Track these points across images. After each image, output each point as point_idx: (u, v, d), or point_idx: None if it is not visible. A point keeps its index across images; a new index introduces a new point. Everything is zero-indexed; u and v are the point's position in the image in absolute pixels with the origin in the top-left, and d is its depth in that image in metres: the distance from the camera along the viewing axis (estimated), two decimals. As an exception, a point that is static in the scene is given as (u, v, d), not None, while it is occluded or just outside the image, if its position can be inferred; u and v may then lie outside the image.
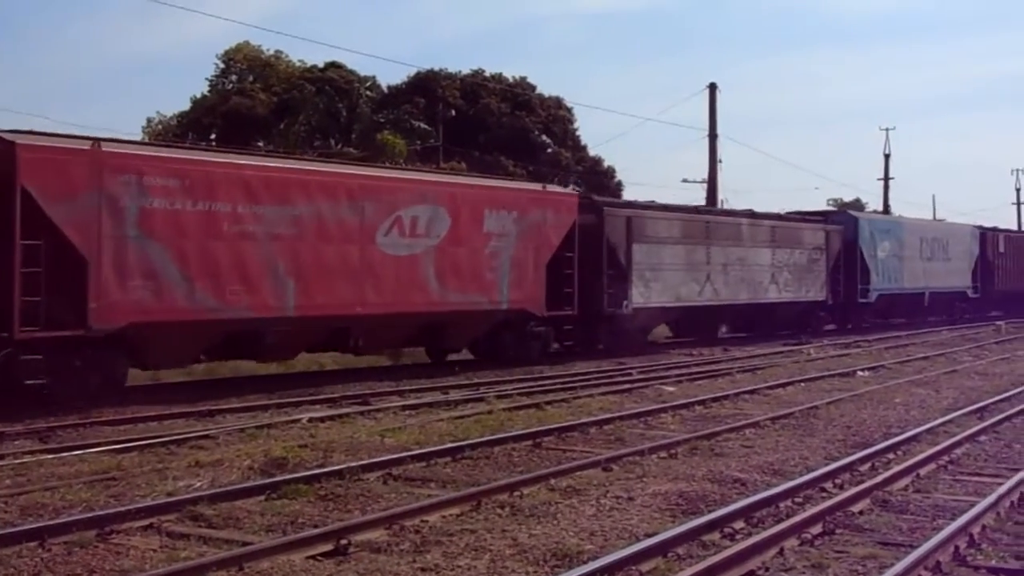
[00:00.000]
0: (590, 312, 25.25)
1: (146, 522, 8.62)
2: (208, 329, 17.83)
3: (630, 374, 21.76)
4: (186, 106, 54.39)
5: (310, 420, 14.72)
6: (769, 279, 32.11)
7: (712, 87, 43.76)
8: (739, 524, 8.74)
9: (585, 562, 7.56)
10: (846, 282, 36.02)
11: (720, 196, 43.96)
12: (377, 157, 44.60)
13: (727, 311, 31.73)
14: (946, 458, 12.06)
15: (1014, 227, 68.48)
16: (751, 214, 33.41)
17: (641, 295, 26.76)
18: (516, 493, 9.90)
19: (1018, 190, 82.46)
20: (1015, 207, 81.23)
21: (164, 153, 18.40)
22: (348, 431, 13.72)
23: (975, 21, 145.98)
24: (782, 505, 9.50)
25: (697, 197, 45.03)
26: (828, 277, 35.02)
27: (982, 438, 13.58)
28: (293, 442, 12.59)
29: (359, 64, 55.65)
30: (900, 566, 7.31)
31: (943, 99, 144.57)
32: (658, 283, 27.45)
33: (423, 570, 7.57)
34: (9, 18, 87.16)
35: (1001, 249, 46.97)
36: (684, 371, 22.44)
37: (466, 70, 56.96)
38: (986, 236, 46.58)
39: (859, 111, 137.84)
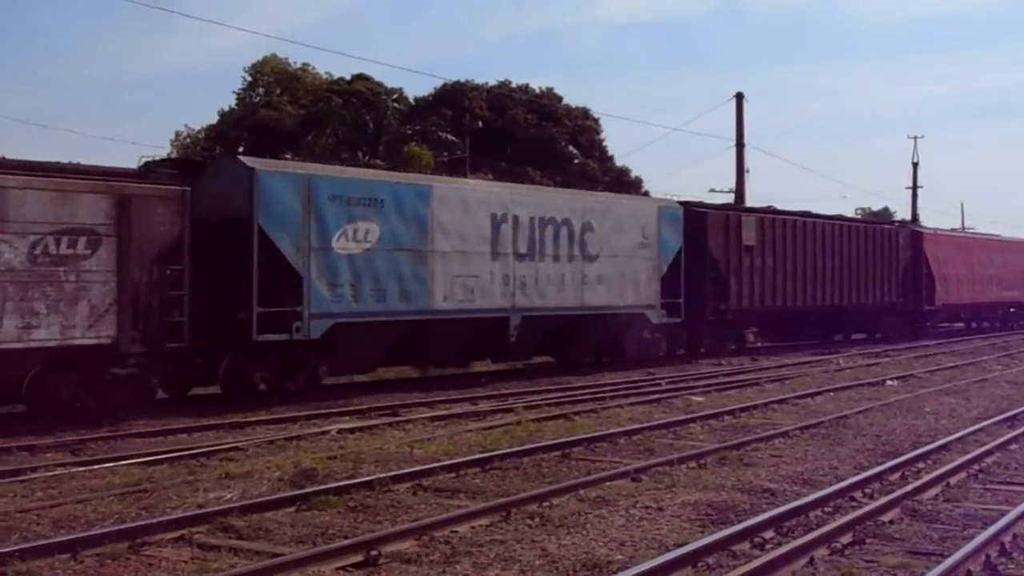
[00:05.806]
0: None
1: (177, 534, 8.68)
2: None
3: (659, 384, 21.73)
4: (214, 119, 54.76)
5: (339, 431, 14.78)
6: None
7: (739, 97, 43.77)
8: (769, 534, 8.73)
9: (615, 572, 7.58)
10: (213, 305, 17.25)
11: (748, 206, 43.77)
12: (404, 169, 44.72)
13: None
14: (976, 467, 12.00)
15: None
16: None
17: None
18: (545, 504, 9.91)
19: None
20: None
21: None
22: (377, 442, 13.77)
23: (1002, 29, 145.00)
24: (812, 515, 9.48)
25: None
26: (124, 297, 15.79)
27: (1013, 447, 13.51)
28: (322, 453, 12.66)
29: (386, 76, 56.04)
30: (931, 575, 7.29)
31: (972, 107, 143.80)
32: None
33: (452, 581, 7.59)
34: (37, 32, 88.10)
35: (750, 241, 28.92)
36: (712, 381, 22.38)
37: (493, 81, 57.21)
38: (706, 218, 27.68)
39: (887, 119, 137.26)
